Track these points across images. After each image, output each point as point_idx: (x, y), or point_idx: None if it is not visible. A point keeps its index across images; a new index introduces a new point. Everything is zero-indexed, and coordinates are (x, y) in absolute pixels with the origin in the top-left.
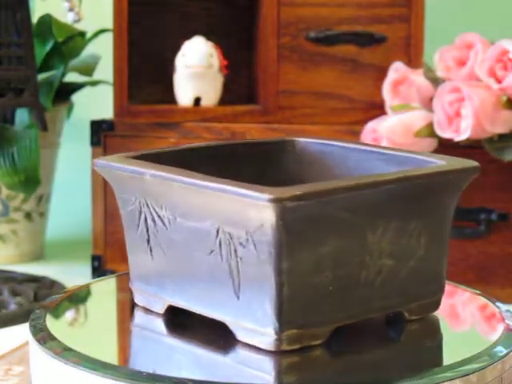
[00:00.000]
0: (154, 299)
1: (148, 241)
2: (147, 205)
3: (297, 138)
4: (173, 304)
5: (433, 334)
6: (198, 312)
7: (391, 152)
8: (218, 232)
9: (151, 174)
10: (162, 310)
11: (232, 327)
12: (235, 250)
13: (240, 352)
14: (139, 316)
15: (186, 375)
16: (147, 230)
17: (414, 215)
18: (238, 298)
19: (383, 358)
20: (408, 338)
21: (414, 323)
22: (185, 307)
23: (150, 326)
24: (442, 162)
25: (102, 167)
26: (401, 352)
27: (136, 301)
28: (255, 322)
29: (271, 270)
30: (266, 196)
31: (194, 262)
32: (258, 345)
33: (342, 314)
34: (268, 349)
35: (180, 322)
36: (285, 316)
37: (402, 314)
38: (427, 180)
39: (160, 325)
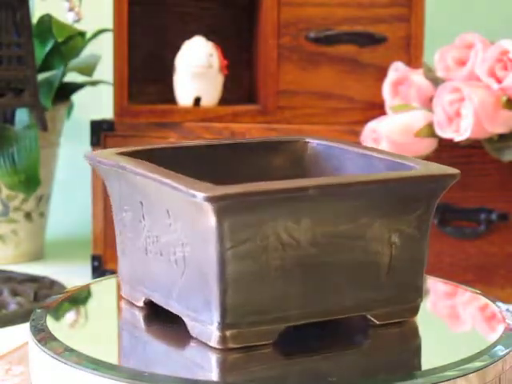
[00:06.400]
0: (267, 328)
1: (276, 269)
2: (281, 229)
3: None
4: (296, 323)
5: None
6: (329, 317)
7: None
8: (371, 227)
9: (315, 186)
10: (275, 338)
11: (370, 315)
12: (389, 238)
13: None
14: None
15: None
16: (274, 258)
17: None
18: (383, 284)
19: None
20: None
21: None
22: (312, 319)
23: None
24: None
25: (228, 208)
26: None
27: (230, 345)
28: (403, 299)
29: (425, 243)
30: (452, 172)
31: (331, 267)
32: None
33: None
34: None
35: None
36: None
37: None
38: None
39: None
